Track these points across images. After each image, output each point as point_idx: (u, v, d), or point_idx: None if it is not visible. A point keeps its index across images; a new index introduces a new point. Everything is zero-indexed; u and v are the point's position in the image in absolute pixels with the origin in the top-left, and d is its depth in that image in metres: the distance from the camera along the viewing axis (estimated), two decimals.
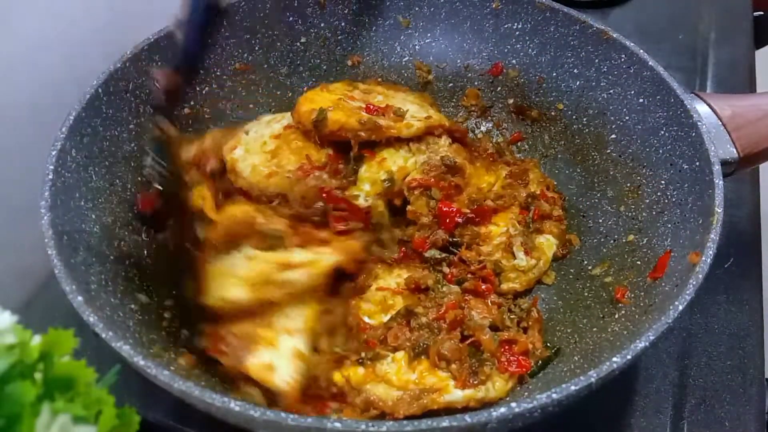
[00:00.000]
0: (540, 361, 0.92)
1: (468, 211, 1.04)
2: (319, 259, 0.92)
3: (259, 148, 1.09)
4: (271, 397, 0.84)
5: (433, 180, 1.06)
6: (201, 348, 0.87)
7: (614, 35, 1.11)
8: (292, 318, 0.90)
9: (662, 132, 1.04)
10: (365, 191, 1.05)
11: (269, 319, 0.88)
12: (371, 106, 1.13)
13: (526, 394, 0.88)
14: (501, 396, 0.87)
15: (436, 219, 1.04)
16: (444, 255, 1.01)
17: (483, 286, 0.98)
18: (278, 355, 0.86)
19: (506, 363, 0.89)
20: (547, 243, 1.05)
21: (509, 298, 1.01)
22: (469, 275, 0.99)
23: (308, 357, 0.89)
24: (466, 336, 0.90)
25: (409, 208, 1.06)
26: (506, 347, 0.91)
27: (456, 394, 0.85)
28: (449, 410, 0.84)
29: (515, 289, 1.00)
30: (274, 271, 0.88)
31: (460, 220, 1.03)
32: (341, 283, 0.99)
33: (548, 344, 0.95)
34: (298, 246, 0.96)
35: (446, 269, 1.00)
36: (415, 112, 1.13)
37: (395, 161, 1.08)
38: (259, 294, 0.87)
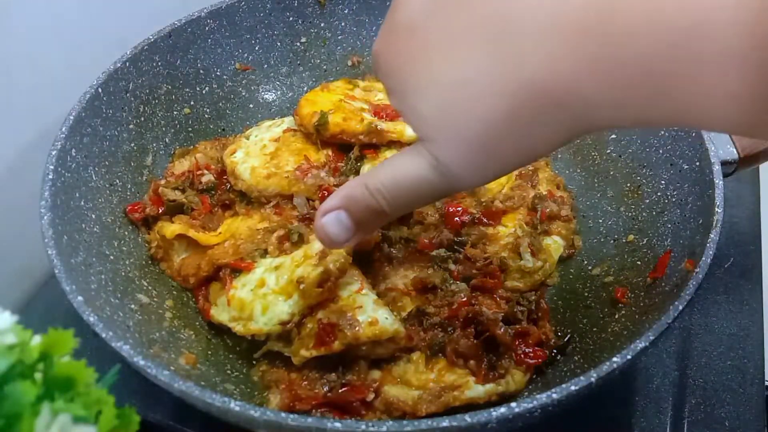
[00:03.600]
0: (554, 351, 0.92)
1: (475, 211, 1.04)
2: None
3: (259, 151, 1.09)
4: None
5: None
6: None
7: None
8: (349, 282, 0.91)
9: (662, 132, 1.04)
10: None
11: (335, 294, 0.89)
12: (379, 106, 1.13)
13: (540, 384, 0.89)
14: (520, 388, 0.87)
15: (442, 218, 1.04)
16: (449, 253, 1.01)
17: (491, 282, 0.98)
18: (369, 310, 0.87)
19: (523, 355, 0.89)
20: (555, 245, 1.04)
21: (515, 293, 1.01)
22: (474, 271, 0.99)
23: (382, 300, 0.92)
24: (480, 332, 0.90)
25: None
26: (520, 340, 0.91)
27: (477, 390, 0.85)
28: (470, 407, 0.85)
29: (519, 288, 0.99)
30: (306, 276, 0.87)
31: (466, 219, 1.03)
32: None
33: (559, 333, 0.95)
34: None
35: (452, 266, 1.00)
36: None
37: None
38: (307, 300, 0.87)
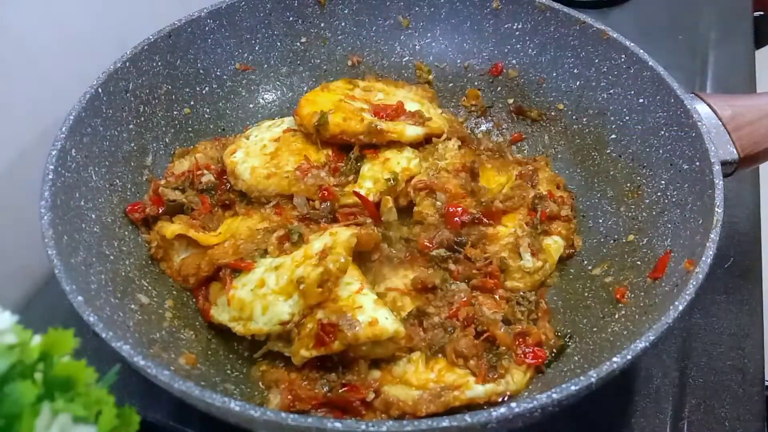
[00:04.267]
0: (554, 351, 0.93)
1: (475, 211, 1.04)
2: (336, 239, 0.91)
3: (259, 151, 1.09)
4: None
5: (438, 183, 1.06)
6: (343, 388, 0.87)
7: (614, 35, 1.11)
8: (349, 282, 0.91)
9: (662, 132, 1.04)
10: (366, 188, 1.05)
11: (335, 294, 0.88)
12: (379, 106, 1.13)
13: (540, 384, 0.89)
14: (520, 388, 0.88)
15: (442, 218, 1.04)
16: (449, 253, 1.01)
17: (491, 282, 0.98)
18: (369, 310, 0.87)
19: (523, 355, 0.90)
20: (555, 245, 1.04)
21: (515, 293, 1.01)
22: (474, 272, 0.99)
23: (383, 300, 0.92)
24: (480, 332, 0.90)
25: (415, 209, 1.06)
26: (520, 340, 0.91)
27: (477, 390, 0.86)
28: (470, 406, 0.85)
29: (519, 288, 1.00)
30: (306, 277, 0.87)
31: (466, 219, 1.03)
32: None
33: (558, 333, 0.96)
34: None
35: (452, 266, 1.00)
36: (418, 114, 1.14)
37: (398, 162, 1.09)
38: (307, 300, 0.87)
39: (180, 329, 0.93)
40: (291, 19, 1.25)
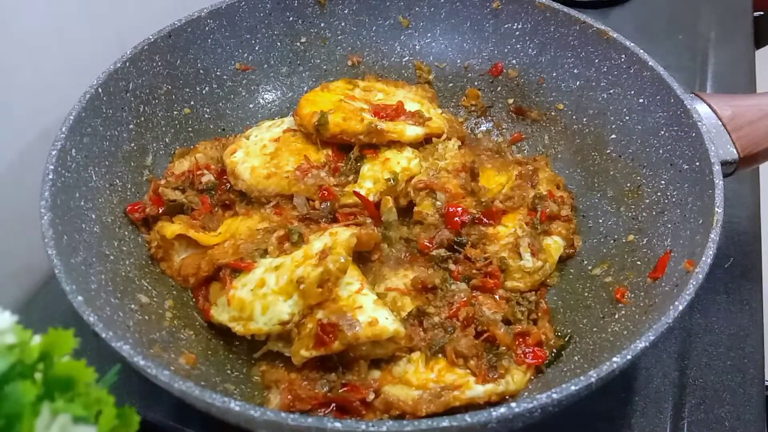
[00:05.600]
0: (554, 351, 0.93)
1: (475, 211, 1.04)
2: (336, 239, 0.91)
3: (259, 151, 1.10)
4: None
5: (438, 183, 1.06)
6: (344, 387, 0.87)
7: (614, 35, 1.11)
8: (349, 282, 0.91)
9: (662, 132, 1.04)
10: (366, 188, 1.05)
11: (335, 294, 0.88)
12: (379, 106, 1.13)
13: (540, 384, 0.89)
14: (520, 388, 0.88)
15: (442, 218, 1.04)
16: (449, 253, 1.01)
17: (491, 282, 0.98)
18: (369, 310, 0.87)
19: (523, 355, 0.90)
20: (555, 245, 1.04)
21: (515, 293, 1.01)
22: (474, 272, 0.99)
23: (383, 300, 0.93)
24: (480, 332, 0.91)
25: (415, 209, 1.06)
26: (520, 340, 0.91)
27: (477, 390, 0.86)
28: (470, 406, 0.85)
29: (519, 288, 0.99)
30: (306, 277, 0.87)
31: (466, 219, 1.03)
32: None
33: (558, 333, 0.96)
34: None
35: (452, 266, 1.00)
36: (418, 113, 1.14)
37: (398, 162, 1.09)
38: (307, 300, 0.87)
39: (180, 329, 0.93)
40: (291, 19, 1.25)
